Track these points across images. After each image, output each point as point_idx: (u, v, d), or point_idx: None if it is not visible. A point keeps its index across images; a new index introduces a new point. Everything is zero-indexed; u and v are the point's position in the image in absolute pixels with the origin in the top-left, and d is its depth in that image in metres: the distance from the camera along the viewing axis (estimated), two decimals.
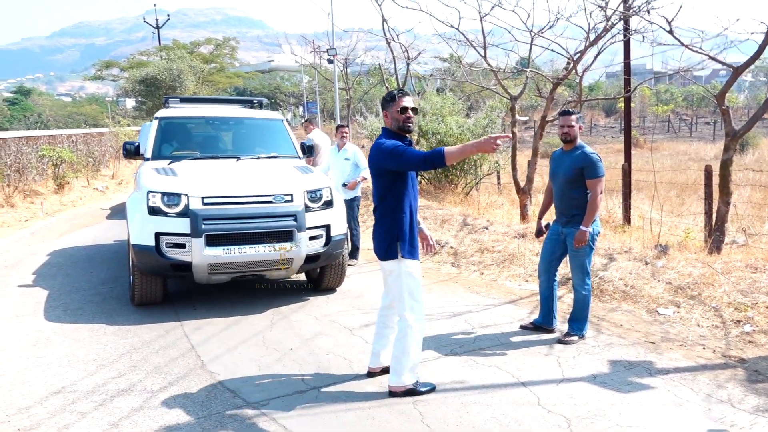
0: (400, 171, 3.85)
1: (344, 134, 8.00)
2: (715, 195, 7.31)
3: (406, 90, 3.95)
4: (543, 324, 5.26)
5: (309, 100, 53.01)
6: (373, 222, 4.07)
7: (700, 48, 7.37)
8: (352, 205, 7.93)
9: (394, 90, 3.99)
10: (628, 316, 5.60)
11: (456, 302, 6.22)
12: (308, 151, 7.74)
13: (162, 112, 7.44)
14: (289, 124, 8.79)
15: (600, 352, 4.73)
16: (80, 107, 61.63)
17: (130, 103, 43.78)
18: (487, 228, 8.85)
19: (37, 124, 41.34)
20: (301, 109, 58.75)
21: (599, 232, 5.07)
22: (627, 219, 9.14)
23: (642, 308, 5.73)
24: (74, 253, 8.91)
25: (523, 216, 9.63)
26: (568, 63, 9.21)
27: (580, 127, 5.05)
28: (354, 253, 8.07)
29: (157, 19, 40.15)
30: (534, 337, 5.13)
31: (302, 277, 7.19)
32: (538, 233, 5.36)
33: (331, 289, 6.70)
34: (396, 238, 3.92)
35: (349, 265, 7.82)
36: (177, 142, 7.26)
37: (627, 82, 9.61)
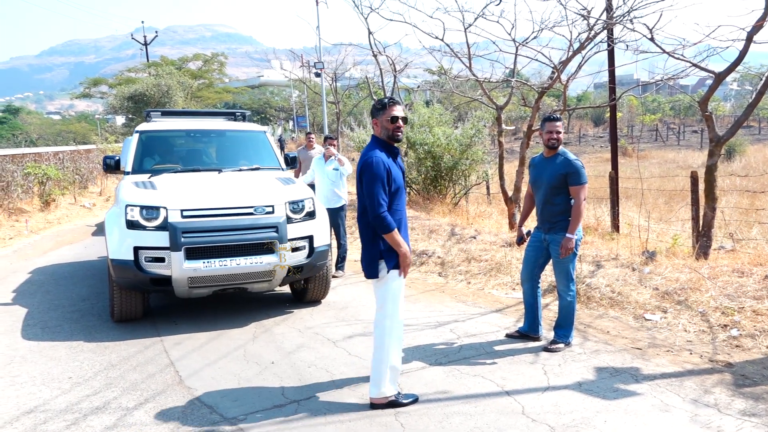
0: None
1: (331, 146, 7.95)
2: (702, 201, 7.30)
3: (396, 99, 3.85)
4: (528, 332, 5.20)
5: (299, 114, 53.10)
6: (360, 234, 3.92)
7: (682, 55, 7.40)
8: (338, 215, 7.86)
9: (385, 98, 3.88)
10: (615, 322, 5.55)
11: (442, 312, 6.15)
12: (291, 162, 7.68)
13: (143, 126, 7.36)
14: (281, 141, 8.64)
15: (586, 359, 4.67)
16: (69, 125, 61.35)
17: (120, 120, 43.68)
18: (474, 237, 8.80)
19: (26, 143, 41.13)
20: (291, 123, 58.81)
21: (581, 238, 5.03)
22: (615, 226, 9.12)
23: (629, 314, 5.68)
24: (56, 270, 8.78)
25: (511, 225, 9.61)
26: (553, 72, 9.24)
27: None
28: (340, 264, 7.99)
29: (145, 36, 40.18)
30: (520, 345, 5.06)
31: (286, 289, 7.11)
32: (520, 241, 5.28)
33: (315, 301, 6.62)
34: (379, 254, 3.79)
35: (335, 276, 7.75)
36: (158, 155, 7.17)
37: (612, 91, 9.62)
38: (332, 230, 7.66)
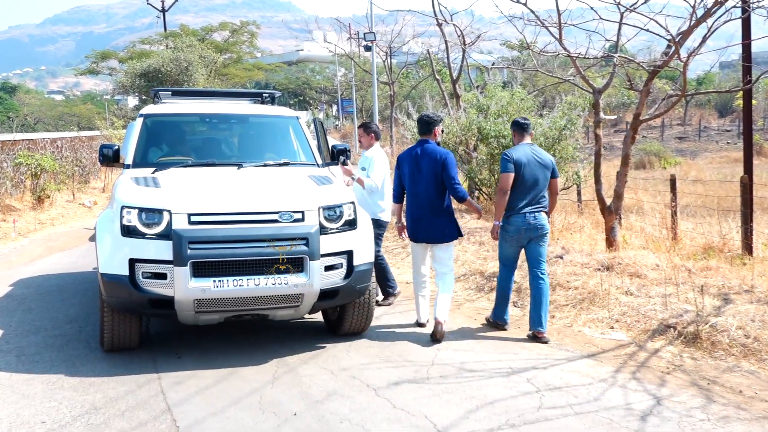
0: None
1: (360, 138, 7.78)
2: None
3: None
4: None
5: (344, 97, 53.44)
6: (432, 213, 6.51)
7: None
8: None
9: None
10: (751, 378, 5.19)
11: (517, 355, 5.92)
12: (339, 156, 7.43)
13: (149, 109, 7.39)
14: (323, 127, 8.48)
15: (711, 428, 4.32)
16: (73, 107, 63.59)
17: (132, 101, 45.02)
18: (561, 257, 8.54)
19: (22, 127, 42.82)
20: (334, 108, 59.28)
21: (504, 224, 6.48)
22: (748, 247, 8.64)
23: None
24: (43, 282, 8.94)
25: (610, 242, 9.23)
26: (669, 47, 8.84)
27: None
28: (388, 288, 7.72)
29: (162, 1, 41.20)
30: (620, 403, 4.74)
31: (318, 318, 7.00)
32: None
33: (354, 335, 6.49)
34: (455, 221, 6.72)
35: (380, 304, 7.53)
36: (166, 145, 7.20)
37: (747, 71, 9.12)
38: None
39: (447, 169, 6.44)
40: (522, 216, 6.37)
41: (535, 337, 6.32)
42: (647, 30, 9.16)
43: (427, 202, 6.51)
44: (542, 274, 6.49)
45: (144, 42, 41.53)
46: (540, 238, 6.47)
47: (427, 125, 6.67)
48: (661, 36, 8.76)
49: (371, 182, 7.35)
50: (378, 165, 7.48)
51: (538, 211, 6.43)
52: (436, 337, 6.30)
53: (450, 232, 6.58)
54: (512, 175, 6.34)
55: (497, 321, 6.71)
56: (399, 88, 33.46)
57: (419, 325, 6.78)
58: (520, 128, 6.73)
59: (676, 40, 8.51)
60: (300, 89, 62.21)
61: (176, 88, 9.49)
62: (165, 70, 30.14)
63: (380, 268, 7.69)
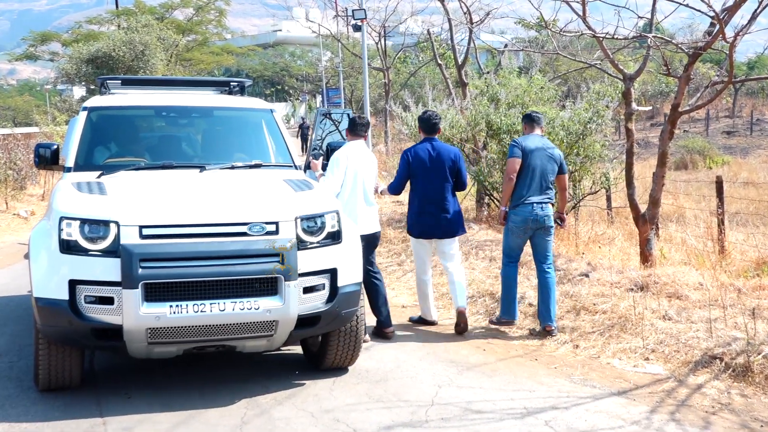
0: None
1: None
2: None
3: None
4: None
5: (330, 86, 53.60)
6: (444, 209, 7.59)
7: None
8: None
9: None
10: None
11: (533, 392, 5.93)
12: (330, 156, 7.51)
13: (94, 101, 7.40)
14: (304, 126, 8.50)
15: None
16: (7, 99, 63.74)
17: (79, 92, 45.05)
18: (587, 275, 8.58)
19: None
20: (318, 98, 59.42)
21: (509, 211, 7.54)
22: None
23: None
24: None
25: (645, 257, 9.26)
26: (712, 25, 8.89)
27: None
28: (382, 318, 7.65)
29: None
30: None
31: (296, 350, 6.99)
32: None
33: (338, 369, 6.49)
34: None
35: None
36: (114, 144, 7.23)
37: None
38: None
39: (462, 165, 7.76)
40: (530, 206, 7.37)
41: (545, 331, 7.35)
42: (687, 5, 9.22)
43: (440, 198, 7.60)
44: (548, 268, 7.60)
45: (92, 22, 41.71)
46: (546, 232, 7.54)
47: (434, 125, 7.78)
48: (702, 12, 8.80)
49: (324, 184, 7.23)
50: (336, 166, 7.38)
51: (545, 203, 7.46)
52: (461, 327, 7.59)
53: (459, 226, 7.80)
54: (519, 160, 7.35)
55: (503, 318, 7.58)
56: (395, 75, 33.61)
57: (430, 323, 8.01)
58: (530, 120, 7.82)
59: (721, 17, 8.56)
60: (278, 77, 62.35)
61: (127, 76, 9.49)
62: (117, 54, 30.24)
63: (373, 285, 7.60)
